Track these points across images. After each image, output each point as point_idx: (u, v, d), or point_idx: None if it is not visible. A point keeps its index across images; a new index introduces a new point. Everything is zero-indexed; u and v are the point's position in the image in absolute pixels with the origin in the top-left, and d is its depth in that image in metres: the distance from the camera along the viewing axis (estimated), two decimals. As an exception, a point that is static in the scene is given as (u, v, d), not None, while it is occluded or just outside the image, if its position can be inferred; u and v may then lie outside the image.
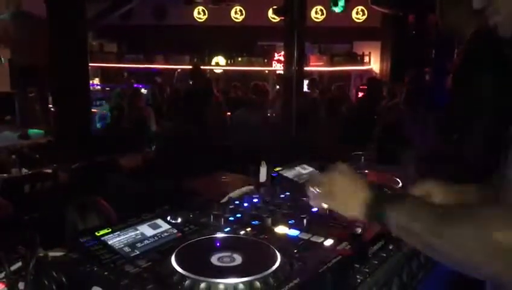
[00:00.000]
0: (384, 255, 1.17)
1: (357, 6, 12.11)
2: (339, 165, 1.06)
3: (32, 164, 5.40)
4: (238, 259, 0.94)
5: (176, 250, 0.97)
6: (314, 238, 1.09)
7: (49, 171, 5.09)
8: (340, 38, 12.32)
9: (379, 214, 0.95)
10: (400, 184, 1.48)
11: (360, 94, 10.36)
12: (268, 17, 11.25)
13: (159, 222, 1.15)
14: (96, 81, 11.15)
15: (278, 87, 9.87)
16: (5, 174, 5.05)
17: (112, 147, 6.01)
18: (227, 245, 1.00)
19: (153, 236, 1.09)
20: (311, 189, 1.09)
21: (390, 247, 1.20)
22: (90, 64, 7.10)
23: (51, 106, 7.16)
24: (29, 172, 5.14)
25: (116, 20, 11.05)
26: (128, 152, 6.00)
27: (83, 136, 5.95)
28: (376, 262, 1.13)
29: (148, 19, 12.30)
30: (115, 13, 10.55)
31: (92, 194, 2.63)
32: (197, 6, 12.34)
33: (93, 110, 7.38)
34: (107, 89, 10.88)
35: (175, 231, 1.13)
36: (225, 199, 1.44)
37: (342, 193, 1.03)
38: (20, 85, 7.41)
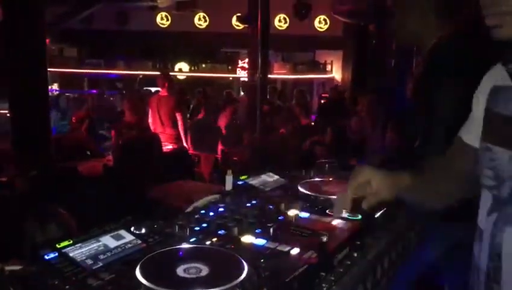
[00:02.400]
0: (349, 263, 1.18)
1: (319, 15, 12.30)
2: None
3: (-13, 172, 5.20)
4: (204, 270, 0.93)
5: (141, 262, 0.94)
6: (281, 247, 1.09)
7: (4, 179, 4.91)
8: (303, 46, 12.48)
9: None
10: (364, 192, 1.50)
11: (322, 101, 10.55)
12: (232, 24, 11.27)
13: (123, 232, 1.13)
14: (55, 86, 10.86)
15: (242, 94, 9.92)
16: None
17: (71, 154, 5.86)
18: (193, 256, 0.99)
19: (117, 247, 1.06)
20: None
21: (355, 255, 1.21)
22: (49, 69, 6.90)
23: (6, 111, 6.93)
24: (-16, 180, 4.95)
25: (77, 24, 10.82)
26: (87, 159, 5.87)
27: (41, 143, 5.77)
28: (341, 270, 1.14)
29: (110, 24, 12.09)
30: (76, 17, 10.33)
31: (51, 203, 2.55)
32: (160, 12, 12.23)
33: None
34: (67, 94, 10.63)
35: (139, 241, 1.11)
36: (190, 208, 1.42)
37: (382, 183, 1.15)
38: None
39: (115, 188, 4.37)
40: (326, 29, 12.49)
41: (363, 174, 1.26)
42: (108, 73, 11.55)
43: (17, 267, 0.99)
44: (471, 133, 1.14)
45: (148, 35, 12.04)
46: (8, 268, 0.98)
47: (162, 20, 12.58)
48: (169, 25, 12.62)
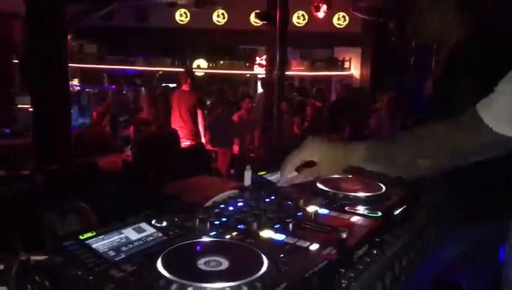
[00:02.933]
0: (369, 259, 1.18)
1: (338, 12, 12.24)
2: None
3: (9, 165, 5.31)
4: (224, 263, 0.94)
5: (162, 254, 0.96)
6: (300, 243, 1.10)
7: (27, 172, 5.00)
8: (321, 43, 12.43)
9: None
10: (384, 189, 1.50)
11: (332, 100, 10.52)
12: (250, 21, 11.29)
13: (144, 225, 1.14)
14: (76, 82, 11.00)
15: (260, 91, 9.94)
16: (-20, 176, 4.94)
17: (91, 149, 5.94)
18: (214, 249, 1.00)
19: (138, 240, 1.08)
20: None
21: (374, 252, 1.21)
22: (69, 64, 7.00)
23: (28, 106, 7.05)
24: (6, 173, 5.05)
25: (97, 21, 10.94)
26: (107, 154, 5.94)
27: (62, 137, 5.86)
28: (360, 267, 1.14)
29: (129, 21, 12.21)
30: (96, 14, 10.45)
31: (71, 197, 2.59)
32: (180, 8, 12.30)
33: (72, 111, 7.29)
34: (87, 90, 10.77)
35: (160, 234, 1.12)
36: (209, 203, 1.43)
37: None
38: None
39: (134, 184, 4.43)
40: (345, 26, 12.42)
41: (307, 148, 1.23)
42: (127, 69, 11.67)
43: (41, 258, 1.01)
44: (494, 115, 1.08)
45: (167, 32, 12.14)
46: (33, 258, 1.00)
47: (181, 16, 12.66)
48: (188, 22, 12.70)
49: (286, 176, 1.27)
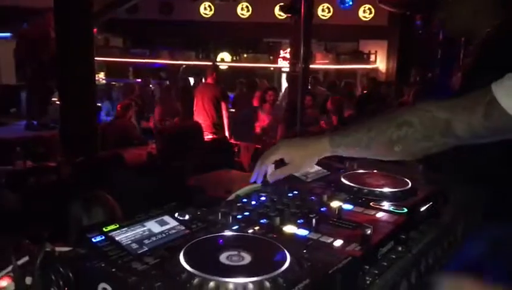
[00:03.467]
0: (394, 256, 1.15)
1: (364, 4, 12.07)
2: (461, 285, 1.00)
3: (37, 157, 5.42)
4: (247, 258, 0.93)
5: (184, 247, 0.95)
6: (324, 239, 1.08)
7: (54, 164, 5.10)
8: (346, 36, 12.29)
9: None
10: (410, 185, 1.47)
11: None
12: (274, 14, 11.23)
13: (167, 218, 1.14)
14: (102, 75, 11.15)
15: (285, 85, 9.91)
16: (9, 166, 5.06)
17: (116, 142, 6.01)
18: (236, 244, 0.99)
19: (161, 233, 1.08)
20: None
21: (399, 249, 1.19)
22: (95, 58, 7.09)
23: (55, 99, 7.18)
24: (34, 165, 5.16)
25: (122, 14, 11.04)
26: (132, 147, 6.01)
27: (88, 130, 5.95)
28: (385, 264, 1.11)
29: (154, 14, 12.29)
30: (122, 7, 10.54)
31: (97, 189, 2.63)
32: (204, 1, 12.33)
33: (98, 104, 7.39)
34: (112, 83, 10.90)
35: (183, 228, 1.12)
36: (232, 197, 1.42)
37: None
38: (27, 78, 7.43)
39: (157, 176, 4.46)
40: (370, 19, 12.25)
41: (276, 148, 1.27)
42: (152, 62, 11.76)
43: (66, 249, 1.02)
44: (507, 92, 1.08)
45: (191, 26, 12.18)
46: (58, 249, 1.01)
47: (206, 10, 12.68)
48: (212, 15, 12.71)
49: (259, 174, 1.30)
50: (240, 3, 12.45)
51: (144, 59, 11.65)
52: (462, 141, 1.18)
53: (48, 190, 4.64)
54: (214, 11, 12.64)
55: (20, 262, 0.98)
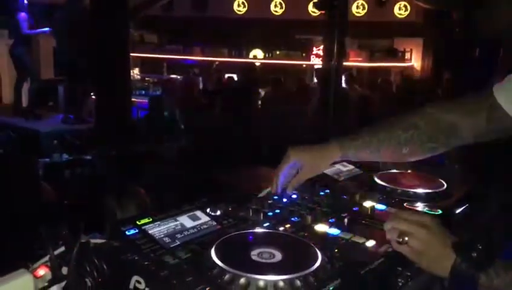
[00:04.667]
0: (427, 259, 1.13)
1: (399, 1, 11.84)
2: (428, 221, 1.01)
3: (73, 150, 5.55)
4: (278, 256, 0.93)
5: (216, 243, 0.96)
6: (356, 239, 1.07)
7: (89, 157, 5.22)
8: (381, 33, 12.08)
9: (469, 277, 0.94)
10: (445, 186, 1.43)
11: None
12: (308, 10, 11.15)
13: (199, 213, 1.15)
14: (137, 71, 11.32)
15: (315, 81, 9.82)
16: (46, 159, 5.21)
17: (150, 136, 6.10)
18: (267, 241, 0.99)
19: (193, 227, 1.09)
20: (394, 236, 1.00)
21: (433, 251, 1.16)
22: (131, 54, 7.21)
23: (92, 93, 7.33)
24: (70, 158, 5.29)
25: (157, 11, 11.18)
26: (164, 142, 6.08)
27: (122, 124, 6.05)
28: (418, 266, 1.09)
29: (188, 11, 12.39)
30: (157, 4, 10.68)
31: (130, 182, 2.68)
32: (238, -2, 12.36)
33: (133, 99, 7.50)
34: (147, 79, 11.04)
35: (214, 223, 1.13)
36: (263, 193, 1.42)
37: (431, 253, 0.98)
38: (65, 73, 7.61)
39: (190, 170, 4.51)
40: (406, 16, 12.01)
41: (287, 155, 1.27)
42: (185, 59, 11.86)
43: (101, 241, 1.04)
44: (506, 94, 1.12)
45: (224, 22, 12.22)
46: (93, 241, 1.04)
47: (239, 7, 12.69)
48: (245, 12, 12.72)
49: (278, 186, 1.29)
50: (273, 0, 12.41)
51: (177, 55, 11.75)
52: (466, 142, 1.23)
53: (83, 182, 4.76)
54: (248, 7, 12.65)
55: (56, 252, 1.01)
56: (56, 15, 7.23)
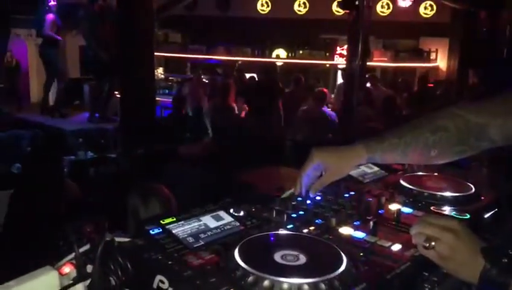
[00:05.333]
0: (455, 264, 1.10)
1: (425, 1, 11.66)
2: (455, 225, 0.98)
3: (98, 148, 5.63)
4: (302, 258, 0.92)
5: (240, 244, 0.96)
6: (381, 242, 1.05)
7: (113, 156, 5.29)
8: (406, 33, 11.91)
9: (500, 284, 0.91)
10: (473, 190, 1.40)
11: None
12: (332, 10, 11.07)
13: (222, 213, 1.15)
14: (161, 70, 11.41)
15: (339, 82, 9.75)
16: (72, 157, 5.30)
17: (174, 136, 6.15)
18: (291, 243, 0.98)
19: (216, 228, 1.09)
20: (420, 241, 0.96)
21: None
22: (155, 53, 7.26)
23: (117, 92, 7.42)
24: (94, 156, 5.37)
25: (181, 10, 11.24)
26: (188, 141, 6.12)
27: (146, 123, 6.11)
28: (445, 271, 1.07)
29: (212, 10, 12.43)
30: (181, 4, 10.74)
31: (154, 181, 2.69)
32: (261, -2, 12.35)
33: (157, 98, 7.57)
34: (171, 78, 11.12)
35: (237, 224, 1.12)
36: (286, 194, 1.41)
37: (459, 258, 0.96)
38: (91, 72, 7.74)
39: (212, 170, 4.52)
40: (432, 16, 11.82)
41: (311, 156, 1.24)
42: (209, 58, 11.90)
43: (125, 239, 1.05)
44: None
45: (248, 22, 12.22)
46: (117, 239, 1.04)
47: (263, 6, 12.68)
48: (269, 11, 12.70)
49: (301, 187, 1.26)
50: (297, 0, 12.36)
51: (201, 55, 11.80)
52: (496, 144, 1.20)
53: (107, 179, 4.82)
54: (271, 7, 12.63)
55: (81, 250, 1.02)
56: (79, 14, 7.37)
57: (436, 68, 11.73)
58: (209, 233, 1.06)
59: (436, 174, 1.57)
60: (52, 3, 7.57)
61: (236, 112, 7.24)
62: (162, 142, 5.88)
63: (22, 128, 6.33)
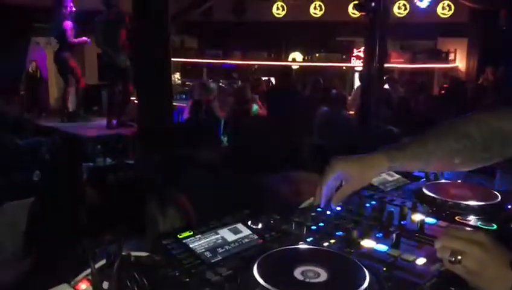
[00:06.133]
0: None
1: (443, 1, 11.51)
2: (482, 238, 0.93)
3: (116, 154, 5.66)
4: (323, 275, 0.89)
5: (258, 259, 0.93)
6: (405, 256, 1.01)
7: (131, 162, 5.31)
8: (423, 34, 11.77)
9: None
10: (499, 198, 1.35)
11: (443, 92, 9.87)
12: (348, 12, 11.00)
13: (240, 226, 1.13)
14: (177, 76, 11.47)
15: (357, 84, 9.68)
16: (90, 163, 5.33)
17: (191, 141, 6.14)
18: (312, 258, 0.95)
19: (234, 241, 1.06)
20: (446, 255, 0.91)
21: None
22: (172, 59, 7.29)
23: (134, 98, 7.47)
24: (113, 162, 5.40)
25: (197, 16, 11.29)
26: (205, 146, 6.11)
27: (164, 128, 6.12)
28: (473, 286, 1.02)
29: (227, 15, 12.46)
30: (198, 10, 10.79)
31: (172, 189, 2.68)
32: (277, 2, 12.32)
33: (174, 104, 7.59)
34: (187, 83, 11.16)
35: (256, 237, 1.10)
36: (306, 204, 1.38)
37: (488, 273, 0.91)
38: (107, 78, 7.80)
39: (231, 175, 4.50)
40: (450, 16, 11.65)
41: (332, 167, 1.20)
42: (225, 63, 11.93)
43: (142, 254, 1.03)
44: None
45: (264, 26, 12.21)
46: (133, 254, 1.03)
47: (278, 10, 12.66)
48: (284, 15, 12.68)
49: (322, 198, 1.22)
50: (312, 3, 12.31)
51: (217, 60, 11.84)
52: None
53: (126, 186, 4.83)
54: (287, 10, 12.60)
55: (98, 265, 1.00)
56: (95, 19, 7.45)
57: (455, 69, 11.56)
58: (226, 247, 1.03)
59: (459, 181, 1.52)
60: (69, 10, 7.66)
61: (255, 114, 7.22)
62: (180, 147, 5.88)
63: (42, 135, 6.41)
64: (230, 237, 1.08)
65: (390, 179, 1.54)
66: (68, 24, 7.65)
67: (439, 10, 11.75)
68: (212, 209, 1.27)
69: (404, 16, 11.77)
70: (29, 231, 3.05)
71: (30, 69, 10.69)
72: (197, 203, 2.61)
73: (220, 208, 1.23)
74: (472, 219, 1.25)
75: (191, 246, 1.01)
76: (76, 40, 7.75)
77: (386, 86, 8.33)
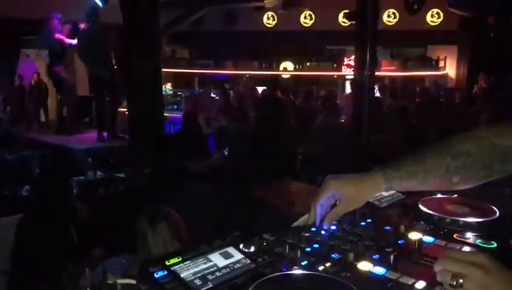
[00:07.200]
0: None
1: (432, 9, 11.59)
2: (483, 260, 0.88)
3: (107, 168, 5.59)
4: (319, 303, 0.84)
5: (252, 287, 0.88)
6: (403, 279, 0.97)
7: (122, 175, 5.24)
8: (413, 42, 11.84)
9: None
10: (497, 214, 1.32)
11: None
12: (338, 21, 11.04)
13: (231, 250, 1.08)
14: (169, 86, 11.42)
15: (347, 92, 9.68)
16: (81, 177, 5.26)
17: (183, 152, 6.09)
18: (307, 285, 0.91)
19: (225, 267, 1.02)
20: (446, 279, 0.86)
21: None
22: (163, 69, 7.25)
23: (125, 109, 7.40)
24: (103, 176, 5.33)
25: (188, 26, 11.27)
26: (197, 157, 6.06)
27: (155, 140, 6.07)
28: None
29: (218, 25, 12.46)
30: (187, 20, 10.77)
31: (163, 204, 2.63)
32: (267, 12, 12.35)
33: (166, 114, 7.55)
34: (179, 93, 11.13)
35: (248, 261, 1.05)
36: (299, 222, 1.33)
37: None
38: (96, 90, 7.74)
39: (223, 187, 4.46)
40: (439, 23, 11.73)
41: (326, 185, 1.17)
42: (217, 73, 11.91)
43: (128, 282, 0.98)
44: None
45: (254, 36, 12.23)
46: (120, 282, 0.98)
47: (269, 20, 12.69)
48: (275, 25, 12.70)
49: (316, 218, 1.18)
50: (303, 12, 12.35)
51: (208, 70, 11.82)
52: None
53: (117, 200, 4.77)
54: (277, 20, 12.63)
55: (83, 295, 0.95)
56: (78, 33, 7.42)
57: (445, 76, 11.63)
58: (217, 273, 0.99)
59: (455, 196, 1.48)
60: (57, 23, 7.61)
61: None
62: (172, 159, 5.83)
63: (31, 149, 6.33)
64: (221, 262, 1.03)
65: (385, 194, 1.51)
66: (60, 36, 7.61)
67: (428, 18, 11.84)
68: (204, 222, 1.23)
69: (394, 24, 11.84)
70: (16, 249, 2.98)
71: (33, 81, 10.68)
72: (189, 215, 2.57)
73: (210, 220, 1.18)
74: (471, 237, 1.21)
75: (179, 273, 0.97)
76: (72, 42, 7.67)
77: (377, 94, 8.34)
